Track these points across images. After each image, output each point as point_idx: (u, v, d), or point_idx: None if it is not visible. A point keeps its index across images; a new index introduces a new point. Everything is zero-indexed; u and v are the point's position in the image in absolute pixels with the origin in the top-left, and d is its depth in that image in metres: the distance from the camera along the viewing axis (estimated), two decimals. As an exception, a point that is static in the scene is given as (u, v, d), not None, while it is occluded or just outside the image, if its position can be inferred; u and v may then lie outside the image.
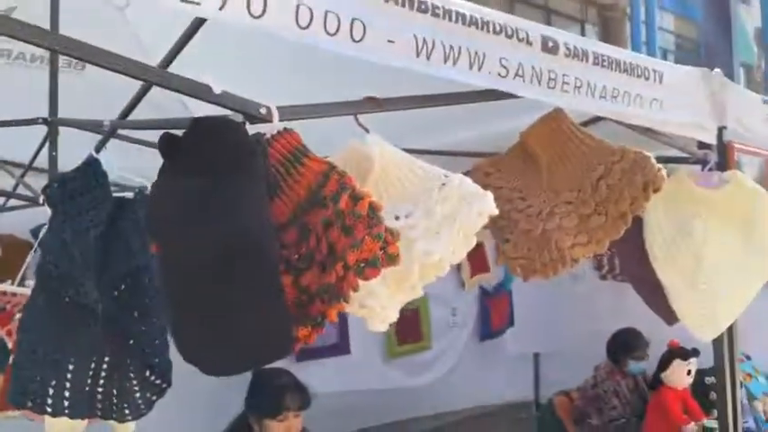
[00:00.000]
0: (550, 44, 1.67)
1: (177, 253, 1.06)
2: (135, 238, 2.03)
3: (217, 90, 1.10)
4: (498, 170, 1.73)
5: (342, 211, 1.09)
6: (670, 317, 3.35)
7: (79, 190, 1.96)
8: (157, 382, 2.00)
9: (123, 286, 1.99)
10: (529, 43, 1.63)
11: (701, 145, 2.24)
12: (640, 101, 1.97)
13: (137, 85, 1.66)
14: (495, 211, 1.30)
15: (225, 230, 1.01)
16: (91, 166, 1.96)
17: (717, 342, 2.28)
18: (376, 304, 1.21)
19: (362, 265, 1.06)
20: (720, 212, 2.09)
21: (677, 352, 3.25)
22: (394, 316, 1.26)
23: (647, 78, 1.98)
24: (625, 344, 4.25)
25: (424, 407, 5.13)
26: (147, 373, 1.97)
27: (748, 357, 3.88)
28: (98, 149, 1.97)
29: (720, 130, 2.24)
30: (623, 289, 5.31)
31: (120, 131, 2.01)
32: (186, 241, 1.03)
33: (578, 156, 1.67)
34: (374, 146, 1.31)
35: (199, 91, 1.10)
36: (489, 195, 1.29)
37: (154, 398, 1.98)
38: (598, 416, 4.09)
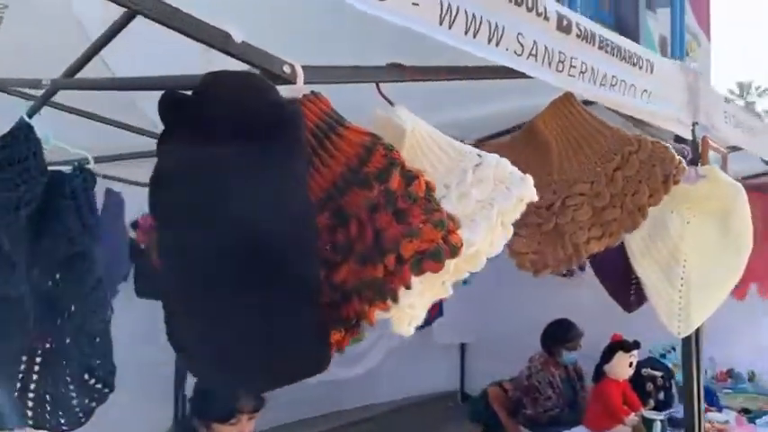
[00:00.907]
0: (565, 22, 1.57)
1: (194, 244, 0.83)
2: (74, 220, 1.72)
3: (238, 39, 0.88)
4: (503, 156, 1.60)
5: (393, 193, 0.91)
6: (629, 306, 3.42)
7: (7, 160, 1.63)
8: (98, 386, 1.72)
9: (59, 275, 1.69)
10: (546, 18, 1.51)
11: (678, 139, 2.24)
12: (634, 91, 1.91)
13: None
14: (536, 198, 1.17)
15: (260, 216, 0.80)
16: (22, 133, 1.64)
17: (686, 338, 2.29)
18: (404, 303, 1.04)
19: (420, 257, 0.89)
20: (697, 207, 2.08)
21: (620, 344, 3.32)
22: (421, 317, 1.10)
23: (640, 68, 1.93)
24: (559, 334, 4.32)
25: (354, 398, 5.01)
26: (87, 377, 1.68)
27: (674, 348, 4.06)
28: (31, 114, 1.65)
29: (694, 125, 2.25)
30: (552, 281, 5.46)
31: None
32: (207, 229, 0.81)
33: (592, 144, 1.58)
34: (406, 118, 1.14)
35: (215, 39, 0.88)
36: (530, 179, 1.15)
37: (94, 404, 1.70)
38: (533, 406, 4.13)
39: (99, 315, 1.69)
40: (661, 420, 3.19)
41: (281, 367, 0.83)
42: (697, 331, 2.28)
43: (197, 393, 2.20)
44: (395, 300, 0.92)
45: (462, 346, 6.24)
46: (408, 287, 0.90)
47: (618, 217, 1.52)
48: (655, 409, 3.37)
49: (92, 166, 1.73)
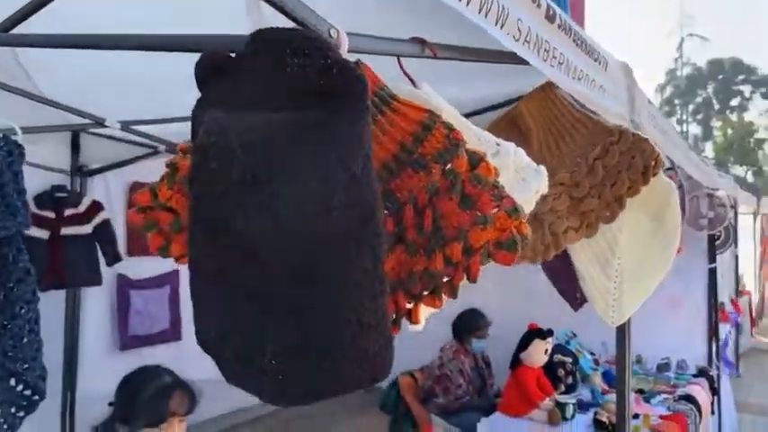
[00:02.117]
0: (551, 12, 1.55)
1: (243, 228, 0.69)
2: (-7, 198, 1.45)
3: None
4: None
5: (458, 176, 0.82)
6: (576, 303, 3.55)
7: None
8: (26, 393, 1.46)
9: (-25, 265, 1.41)
10: (539, 6, 1.49)
11: (616, 136, 2.33)
12: (594, 85, 1.96)
13: None
14: (546, 190, 1.13)
15: (323, 195, 0.68)
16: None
17: (620, 331, 2.40)
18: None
19: (491, 248, 0.81)
20: (635, 202, 2.18)
21: (536, 333, 3.44)
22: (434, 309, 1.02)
23: (599, 63, 1.98)
24: (470, 323, 4.43)
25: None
26: (13, 383, 1.43)
27: (574, 335, 4.30)
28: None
29: (631, 122, 2.36)
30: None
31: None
32: (260, 213, 0.67)
33: (573, 134, 1.58)
34: (433, 98, 1.05)
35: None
36: (544, 170, 1.11)
37: (21, 414, 1.45)
38: (444, 394, 4.20)
39: (25, 312, 1.43)
40: (573, 404, 3.37)
41: (346, 372, 0.71)
42: (628, 323, 2.40)
43: (122, 396, 1.96)
44: (454, 294, 0.84)
45: (364, 336, 6.24)
46: (474, 280, 0.83)
47: (596, 208, 1.54)
48: (564, 393, 3.55)
49: (19, 137, 1.46)
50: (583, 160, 1.56)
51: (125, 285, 3.77)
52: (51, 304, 2.96)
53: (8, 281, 1.40)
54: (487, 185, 0.82)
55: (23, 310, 1.42)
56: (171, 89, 1.64)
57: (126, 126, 2.38)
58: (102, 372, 3.16)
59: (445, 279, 0.83)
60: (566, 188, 1.55)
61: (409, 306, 0.86)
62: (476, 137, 1.10)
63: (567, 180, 1.56)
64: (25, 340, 1.42)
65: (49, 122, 2.42)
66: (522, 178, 1.11)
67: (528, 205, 1.11)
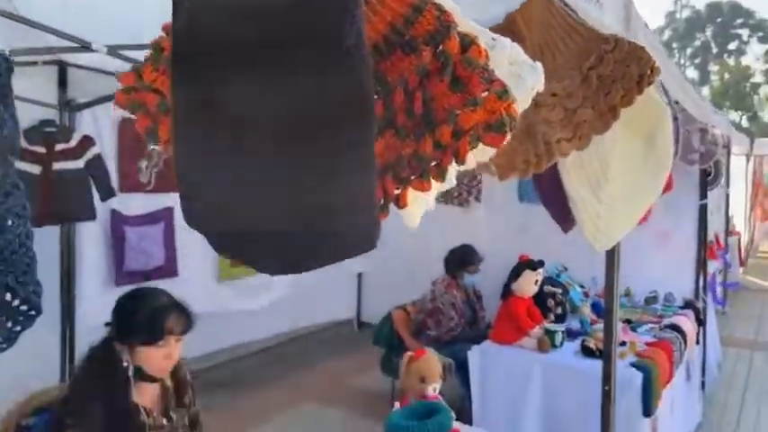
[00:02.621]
0: None
1: (229, 94, 0.68)
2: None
3: None
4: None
5: (449, 58, 0.81)
6: (566, 225, 3.57)
7: None
8: (23, 308, 1.48)
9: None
10: None
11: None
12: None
13: None
14: (542, 88, 1.12)
15: (309, 60, 0.67)
16: None
17: (609, 264, 2.43)
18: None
19: (480, 130, 0.81)
20: (629, 123, 2.17)
21: (527, 264, 3.50)
22: (426, 207, 1.03)
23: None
24: (462, 258, 4.50)
25: (257, 330, 4.92)
26: (9, 297, 1.45)
27: (565, 268, 4.37)
28: None
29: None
30: (447, 211, 5.64)
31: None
32: (252, 81, 0.67)
33: (568, 43, 1.56)
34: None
35: None
36: (540, 66, 1.10)
37: (18, 328, 1.47)
38: (436, 327, 4.29)
39: (15, 226, 1.44)
40: (562, 331, 3.45)
41: (334, 240, 0.72)
42: (617, 254, 2.43)
43: (120, 315, 1.99)
44: (442, 178, 0.85)
45: (359, 277, 6.32)
46: (462, 162, 0.83)
47: (589, 118, 1.53)
48: (554, 322, 3.63)
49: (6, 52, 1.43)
50: (576, 71, 1.55)
51: (119, 221, 3.78)
52: (46, 242, 2.97)
53: None
54: (478, 68, 0.81)
55: (13, 224, 1.42)
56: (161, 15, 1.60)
57: (113, 50, 2.33)
58: (99, 307, 3.21)
59: (433, 163, 0.84)
60: (559, 99, 1.54)
61: (397, 191, 0.87)
62: (470, 27, 1.08)
63: (560, 90, 1.55)
64: (16, 255, 1.43)
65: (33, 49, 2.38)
66: (518, 74, 1.09)
67: (524, 103, 1.11)
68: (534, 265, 3.47)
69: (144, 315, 1.94)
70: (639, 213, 2.27)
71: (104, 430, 1.80)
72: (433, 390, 2.36)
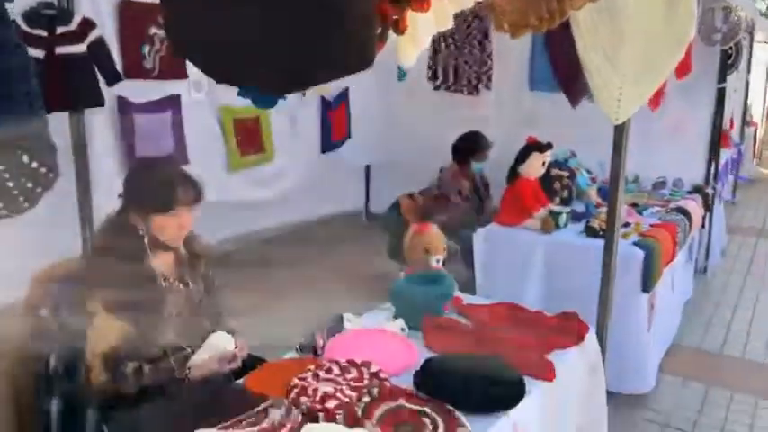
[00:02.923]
0: None
1: None
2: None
3: None
4: None
5: None
6: (575, 98, 3.54)
7: None
8: (42, 170, 1.53)
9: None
10: None
11: None
12: None
13: None
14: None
15: None
16: None
17: (616, 149, 2.40)
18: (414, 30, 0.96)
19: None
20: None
21: (535, 146, 3.49)
22: (425, 45, 1.03)
23: None
24: (470, 145, 4.50)
25: (268, 218, 5.03)
26: (26, 159, 1.48)
27: (574, 154, 4.36)
28: None
29: None
30: (454, 100, 5.57)
31: None
32: None
33: None
34: None
35: None
36: None
37: (39, 189, 1.52)
38: (443, 214, 4.37)
39: (22, 85, 1.45)
40: (566, 213, 3.51)
41: (330, 56, 0.73)
42: (625, 137, 2.40)
43: (131, 185, 2.05)
44: None
45: (367, 168, 6.36)
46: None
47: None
48: (559, 205, 3.68)
49: None
50: None
51: (126, 107, 3.78)
52: (57, 137, 2.95)
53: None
54: None
55: (19, 85, 1.43)
56: None
57: None
58: (114, 195, 3.27)
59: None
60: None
61: (396, 17, 0.87)
62: None
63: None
64: (25, 115, 1.45)
65: None
66: None
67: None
68: (542, 147, 3.47)
69: (155, 184, 2.00)
70: (655, 85, 2.23)
71: (124, 296, 1.91)
72: (437, 261, 2.45)
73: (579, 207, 3.76)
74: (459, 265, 3.91)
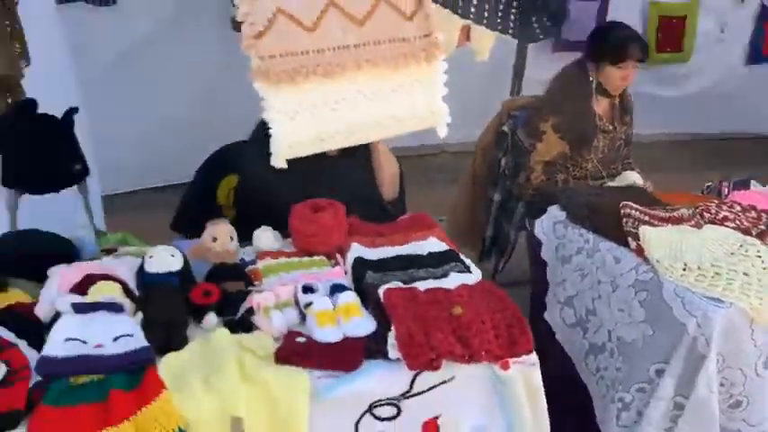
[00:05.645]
0: None
1: None
2: None
3: None
4: None
5: None
6: None
7: None
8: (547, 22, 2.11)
9: None
10: None
11: None
12: None
13: None
14: None
15: None
16: None
17: None
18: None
19: None
20: None
21: None
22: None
23: None
24: None
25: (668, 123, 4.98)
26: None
27: None
28: None
29: None
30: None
31: None
32: None
33: None
34: None
35: None
36: None
37: (548, 23, 2.12)
38: None
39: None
40: None
41: None
42: None
43: (594, 39, 2.49)
44: None
45: None
46: None
47: None
48: None
49: None
50: None
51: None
52: None
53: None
54: None
55: None
56: None
57: None
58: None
59: None
60: None
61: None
62: None
63: None
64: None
65: None
66: None
67: None
68: None
69: (615, 40, 2.44)
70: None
71: (573, 123, 2.44)
72: None
73: None
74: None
